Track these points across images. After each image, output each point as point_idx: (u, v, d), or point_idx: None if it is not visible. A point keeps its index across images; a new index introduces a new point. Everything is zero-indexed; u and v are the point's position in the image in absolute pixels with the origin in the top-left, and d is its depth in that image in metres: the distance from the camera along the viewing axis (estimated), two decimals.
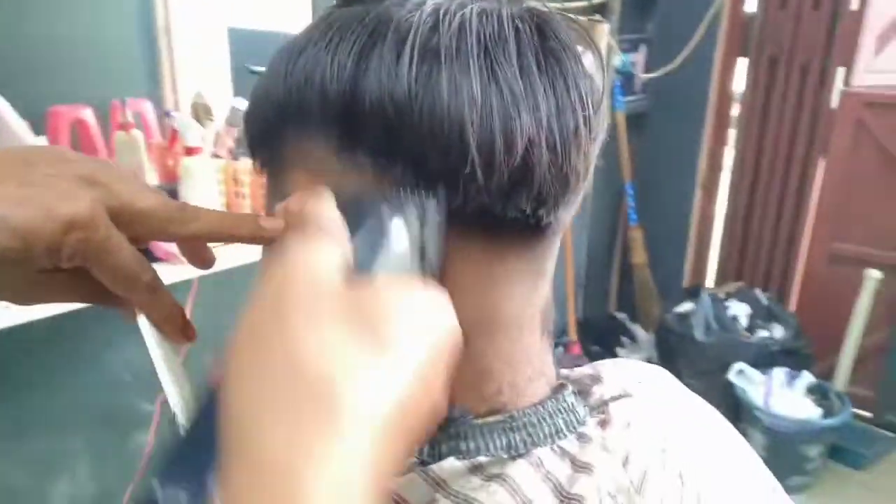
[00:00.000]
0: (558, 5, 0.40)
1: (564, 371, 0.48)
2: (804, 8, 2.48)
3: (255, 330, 0.29)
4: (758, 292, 2.62)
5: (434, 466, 0.39)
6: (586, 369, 0.50)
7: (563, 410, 0.43)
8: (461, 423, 0.40)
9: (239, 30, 1.85)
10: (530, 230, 0.39)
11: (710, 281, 2.96)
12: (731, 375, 2.35)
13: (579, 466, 0.41)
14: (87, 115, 1.59)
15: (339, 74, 0.36)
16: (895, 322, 2.46)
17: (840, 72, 2.47)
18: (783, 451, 2.22)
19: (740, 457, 0.50)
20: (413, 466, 0.40)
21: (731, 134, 2.82)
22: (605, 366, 0.50)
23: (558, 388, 0.45)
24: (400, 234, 0.35)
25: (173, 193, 1.55)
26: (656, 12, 2.79)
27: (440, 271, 0.38)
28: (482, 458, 0.40)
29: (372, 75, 0.35)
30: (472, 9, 0.37)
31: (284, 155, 0.40)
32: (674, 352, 2.52)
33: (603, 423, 0.44)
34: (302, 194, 0.35)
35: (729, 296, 2.62)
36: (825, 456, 2.33)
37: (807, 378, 2.35)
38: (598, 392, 0.46)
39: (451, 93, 0.35)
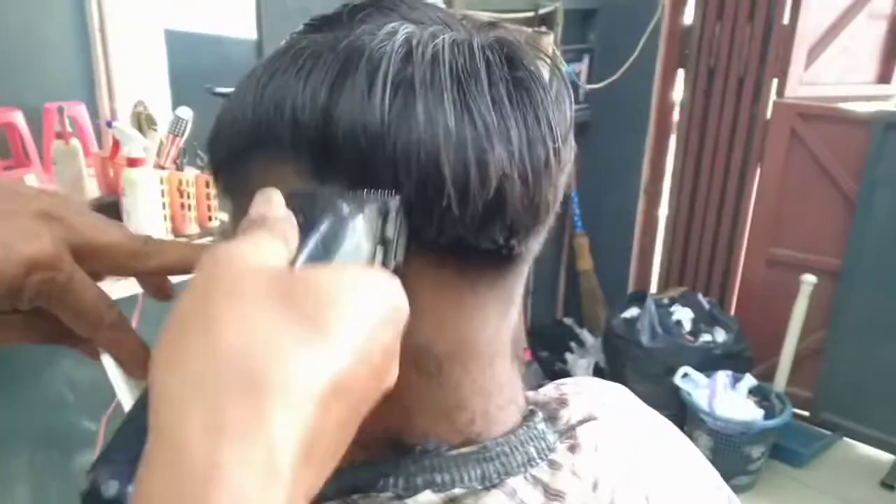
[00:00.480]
0: (503, 16, 0.41)
1: (530, 394, 0.48)
2: (739, 21, 2.56)
3: (179, 316, 0.28)
4: (700, 297, 2.69)
5: (409, 501, 0.39)
6: (550, 391, 0.50)
7: (534, 438, 0.43)
8: (435, 454, 0.40)
9: (176, 32, 1.82)
10: (501, 260, 0.39)
11: (654, 286, 3.03)
12: (677, 379, 2.41)
13: (552, 495, 0.41)
14: (18, 118, 1.54)
15: (311, 103, 0.35)
16: (830, 325, 2.55)
17: (774, 83, 2.56)
18: (728, 452, 2.28)
19: (697, 470, 0.51)
20: (388, 501, 0.39)
21: (672, 142, 2.89)
22: (567, 386, 0.51)
23: (528, 415, 0.45)
24: (358, 231, 0.35)
25: (116, 205, 1.51)
26: (598, 24, 2.84)
27: (413, 301, 0.37)
28: (457, 490, 0.39)
29: (345, 105, 0.35)
30: (443, 39, 0.36)
31: (251, 181, 0.39)
32: (621, 356, 2.57)
33: (572, 448, 0.44)
34: (255, 200, 0.34)
35: (673, 301, 2.68)
36: (767, 455, 2.40)
37: (749, 380, 2.42)
38: (566, 416, 0.46)
39: (425, 124, 0.35)
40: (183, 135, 1.60)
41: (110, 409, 1.61)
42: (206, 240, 1.60)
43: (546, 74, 0.39)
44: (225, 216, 1.73)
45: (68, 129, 1.54)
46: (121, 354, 0.40)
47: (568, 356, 2.92)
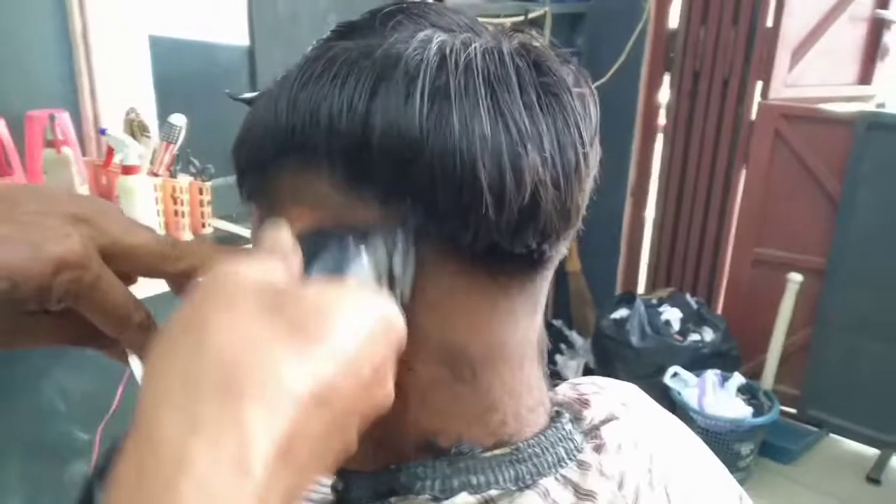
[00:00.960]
0: (493, 20, 0.41)
1: (550, 394, 0.49)
2: (723, 24, 2.60)
3: (174, 321, 0.30)
4: (688, 297, 2.71)
5: (446, 503, 0.40)
6: (568, 391, 0.51)
7: (562, 439, 0.44)
8: (470, 457, 0.41)
9: (163, 38, 1.80)
10: (532, 264, 0.40)
11: (641, 286, 3.05)
12: (667, 379, 2.43)
13: (583, 495, 0.42)
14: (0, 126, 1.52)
15: (348, 111, 0.36)
16: (815, 322, 2.59)
17: (758, 85, 2.59)
18: (718, 449, 2.29)
19: (710, 467, 0.52)
20: (426, 503, 0.40)
21: (659, 144, 2.92)
22: (584, 386, 0.52)
23: (555, 416, 0.45)
24: (363, 262, 0.35)
25: None
26: (586, 28, 2.87)
27: (447, 305, 0.38)
28: (493, 492, 0.40)
29: (383, 112, 0.36)
30: (475, 48, 0.37)
31: (281, 187, 0.40)
32: (611, 357, 2.59)
33: (598, 448, 0.45)
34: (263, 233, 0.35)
35: (661, 301, 2.71)
36: (756, 452, 2.43)
37: (737, 379, 2.45)
38: (589, 416, 0.47)
39: (462, 131, 0.35)
40: (176, 142, 1.60)
41: (105, 419, 1.60)
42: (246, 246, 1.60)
43: (570, 80, 0.39)
44: (219, 223, 1.73)
45: (61, 138, 1.54)
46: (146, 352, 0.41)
47: (558, 358, 2.94)
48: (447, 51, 0.37)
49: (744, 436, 2.34)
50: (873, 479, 2.47)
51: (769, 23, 2.53)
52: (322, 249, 0.35)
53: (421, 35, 0.38)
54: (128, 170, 1.44)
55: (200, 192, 1.64)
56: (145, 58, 1.80)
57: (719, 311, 2.80)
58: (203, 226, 1.66)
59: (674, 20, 2.73)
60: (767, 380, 2.56)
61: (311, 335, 0.29)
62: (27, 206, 0.37)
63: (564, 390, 0.51)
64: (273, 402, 0.27)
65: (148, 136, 1.58)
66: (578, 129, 0.38)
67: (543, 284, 0.43)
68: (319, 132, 0.37)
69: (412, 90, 0.36)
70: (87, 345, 0.43)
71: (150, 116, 1.72)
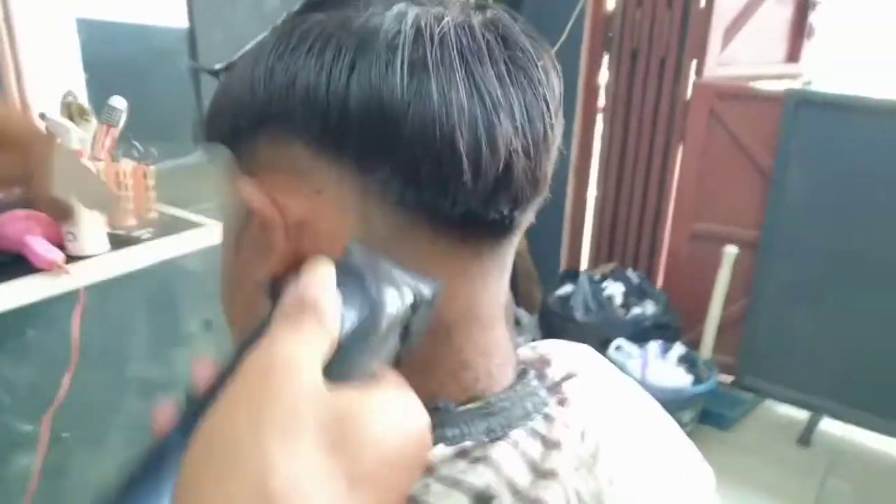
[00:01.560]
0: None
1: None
2: (658, 5, 2.66)
3: (225, 430, 0.28)
4: (629, 272, 2.79)
5: None
6: (528, 352, 0.53)
7: (529, 394, 0.46)
8: (444, 411, 0.43)
9: (94, 21, 1.75)
10: (503, 230, 0.42)
11: (584, 263, 3.12)
12: (611, 351, 2.50)
13: (550, 444, 0.44)
14: None
15: (327, 81, 0.37)
16: (751, 293, 2.70)
17: (693, 64, 2.67)
18: None
19: (662, 419, 0.56)
20: None
21: (599, 124, 2.98)
22: (542, 347, 0.54)
23: (522, 374, 0.48)
24: (390, 310, 0.35)
25: None
26: (526, 8, 2.89)
27: (426, 272, 0.39)
28: (467, 443, 0.42)
29: (363, 83, 0.37)
30: (448, 21, 0.38)
31: (257, 157, 0.41)
32: (557, 332, 2.65)
33: (561, 402, 0.47)
34: (308, 275, 0.34)
35: (604, 277, 2.78)
36: (696, 420, 2.53)
37: (678, 349, 2.54)
38: (550, 374, 0.50)
39: (440, 101, 0.37)
40: (118, 125, 1.56)
41: (50, 411, 1.57)
42: (144, 232, 1.57)
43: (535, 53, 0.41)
44: (165, 207, 1.70)
45: None
46: None
47: None
48: (422, 24, 0.38)
49: (684, 404, 2.43)
50: (804, 441, 2.60)
51: (702, 3, 2.60)
52: (356, 300, 0.34)
53: (395, 9, 0.39)
54: None
55: (145, 177, 1.61)
56: (74, 41, 1.75)
57: (660, 285, 2.89)
58: (149, 210, 1.63)
59: (611, 2, 2.79)
60: (706, 349, 2.66)
61: (366, 478, 0.30)
62: None
63: (525, 352, 0.54)
64: None
65: (88, 120, 1.54)
66: (545, 100, 0.40)
67: (511, 250, 0.45)
68: (297, 102, 0.38)
69: (391, 61, 0.37)
70: None
71: (82, 101, 1.68)
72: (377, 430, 0.31)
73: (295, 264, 0.38)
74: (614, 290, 2.70)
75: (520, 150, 0.39)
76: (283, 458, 0.27)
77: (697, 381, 2.49)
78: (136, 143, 1.61)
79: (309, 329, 0.32)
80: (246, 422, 0.28)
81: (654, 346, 2.51)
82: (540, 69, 0.40)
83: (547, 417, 0.46)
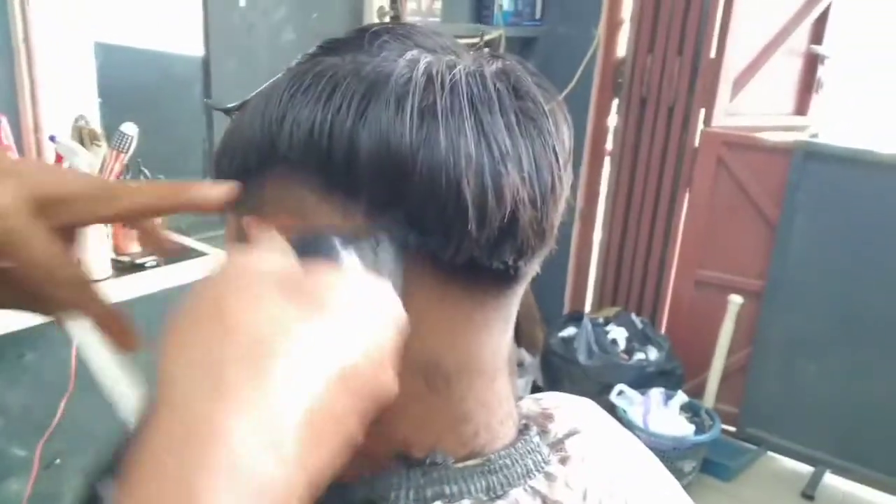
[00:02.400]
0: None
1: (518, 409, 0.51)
2: (669, 53, 2.69)
3: (189, 306, 0.30)
4: (633, 316, 2.77)
5: None
6: (531, 405, 0.52)
7: (530, 451, 0.45)
8: (443, 467, 0.42)
9: (112, 46, 1.78)
10: (507, 280, 0.42)
11: (588, 306, 3.11)
12: (613, 396, 2.47)
13: None
14: None
15: (335, 126, 0.37)
16: (754, 343, 2.67)
17: (701, 113, 2.69)
18: None
19: (664, 481, 0.54)
20: None
21: (607, 168, 2.99)
22: (545, 401, 0.53)
23: (523, 429, 0.47)
24: (353, 262, 0.36)
25: None
26: (537, 52, 2.93)
27: (424, 318, 0.39)
28: (465, 502, 0.41)
29: (372, 128, 0.37)
30: (460, 70, 0.38)
31: (264, 198, 0.40)
32: (559, 375, 2.62)
33: (563, 461, 0.46)
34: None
35: (608, 320, 2.76)
36: (698, 469, 2.49)
37: (681, 397, 2.51)
38: (553, 430, 0.49)
39: (448, 149, 0.36)
40: (127, 151, 1.57)
41: (45, 436, 1.55)
42: (149, 259, 1.56)
43: (546, 105, 0.41)
44: (173, 235, 1.70)
45: (7, 143, 1.50)
46: (88, 314, 0.40)
47: None
48: (433, 71, 0.38)
49: (686, 453, 2.39)
50: (808, 495, 2.55)
51: (712, 54, 2.63)
52: (311, 251, 0.35)
53: (408, 55, 0.39)
54: None
55: None
56: (90, 65, 1.77)
57: (663, 331, 2.86)
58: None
59: (622, 48, 2.82)
60: (709, 398, 2.63)
61: (332, 314, 0.30)
62: None
63: (528, 405, 0.53)
64: (303, 377, 0.28)
65: (98, 145, 1.55)
66: (555, 151, 0.40)
67: (515, 300, 0.44)
68: (305, 145, 0.38)
69: (402, 108, 0.37)
70: (26, 307, 0.42)
71: (94, 125, 1.69)
72: (343, 287, 0.32)
73: None
74: (618, 334, 2.68)
75: (526, 200, 0.38)
76: (242, 302, 0.29)
77: (700, 430, 2.46)
78: (145, 170, 1.62)
79: (259, 247, 0.34)
80: (207, 295, 0.31)
81: (656, 393, 2.49)
82: (550, 120, 0.40)
83: (549, 476, 0.45)
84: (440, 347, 0.41)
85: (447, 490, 0.41)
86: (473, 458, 0.43)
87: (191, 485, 0.25)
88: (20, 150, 1.66)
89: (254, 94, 0.42)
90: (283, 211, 0.40)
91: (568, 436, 0.49)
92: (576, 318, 2.78)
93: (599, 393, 2.48)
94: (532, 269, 0.43)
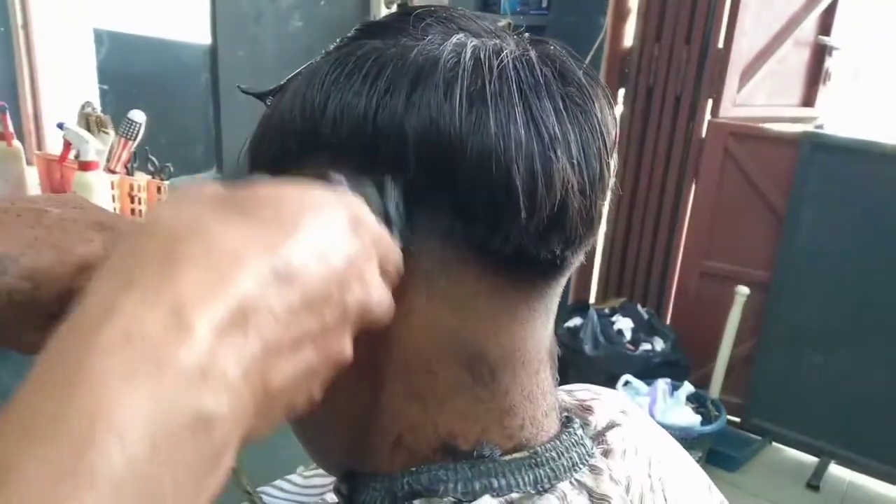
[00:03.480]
0: None
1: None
2: (677, 43, 2.67)
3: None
4: (639, 307, 2.77)
5: None
6: (567, 398, 0.51)
7: (575, 444, 0.45)
8: (490, 460, 0.41)
9: (119, 34, 1.76)
10: (552, 270, 0.41)
11: (593, 297, 3.10)
12: (619, 387, 2.47)
13: (597, 499, 0.43)
14: None
15: (385, 110, 0.36)
16: (760, 334, 2.67)
17: (709, 103, 2.67)
18: None
19: (695, 473, 0.55)
20: None
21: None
22: (581, 393, 0.53)
23: (566, 422, 0.46)
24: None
25: None
26: None
27: (471, 308, 0.38)
28: (514, 495, 0.40)
29: (422, 114, 0.36)
30: (506, 54, 0.38)
31: None
32: (565, 365, 2.60)
33: (606, 453, 0.46)
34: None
35: (614, 311, 2.75)
36: (704, 460, 2.49)
37: (687, 388, 2.51)
38: (594, 422, 0.49)
39: (498, 134, 0.36)
40: (135, 139, 1.57)
41: None
42: None
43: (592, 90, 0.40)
44: None
45: (11, 131, 1.49)
46: None
47: None
48: (481, 56, 0.37)
49: (692, 443, 2.39)
50: (813, 485, 2.55)
51: (720, 44, 2.61)
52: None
53: (454, 39, 0.38)
54: (85, 165, 1.41)
55: (159, 191, 1.61)
56: (90, 52, 1.76)
57: (669, 322, 2.86)
58: None
59: (629, 38, 2.80)
60: (714, 389, 2.63)
61: (265, 218, 0.28)
62: (53, 213, 0.38)
63: (562, 396, 0.52)
64: (217, 265, 0.26)
65: (106, 132, 1.55)
66: (602, 138, 0.39)
67: (559, 290, 0.44)
68: (351, 130, 0.37)
69: (451, 92, 0.36)
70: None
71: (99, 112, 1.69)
72: (281, 191, 0.31)
73: None
74: (623, 324, 2.67)
75: (576, 187, 0.38)
76: (168, 209, 0.28)
77: (705, 420, 2.46)
78: (153, 158, 1.61)
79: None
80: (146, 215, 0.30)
81: (662, 383, 2.48)
82: (597, 106, 0.39)
83: (594, 469, 0.44)
84: (485, 339, 0.40)
85: (495, 483, 0.40)
86: (519, 451, 0.42)
87: (80, 362, 0.23)
88: (20, 136, 1.66)
89: (289, 77, 0.41)
90: None
91: (608, 428, 0.48)
92: (581, 308, 2.77)
93: (605, 383, 2.44)
94: (577, 259, 0.42)
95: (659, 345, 2.63)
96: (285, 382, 0.27)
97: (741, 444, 2.67)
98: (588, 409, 0.50)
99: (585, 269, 3.10)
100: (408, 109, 0.36)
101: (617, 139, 0.42)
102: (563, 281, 0.43)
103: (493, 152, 0.36)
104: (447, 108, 0.36)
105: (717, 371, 2.63)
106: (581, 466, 0.44)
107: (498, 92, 0.36)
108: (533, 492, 0.41)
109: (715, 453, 2.54)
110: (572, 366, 2.58)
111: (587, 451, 0.45)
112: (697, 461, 2.41)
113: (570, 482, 0.43)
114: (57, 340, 0.25)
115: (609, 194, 0.41)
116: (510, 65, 0.37)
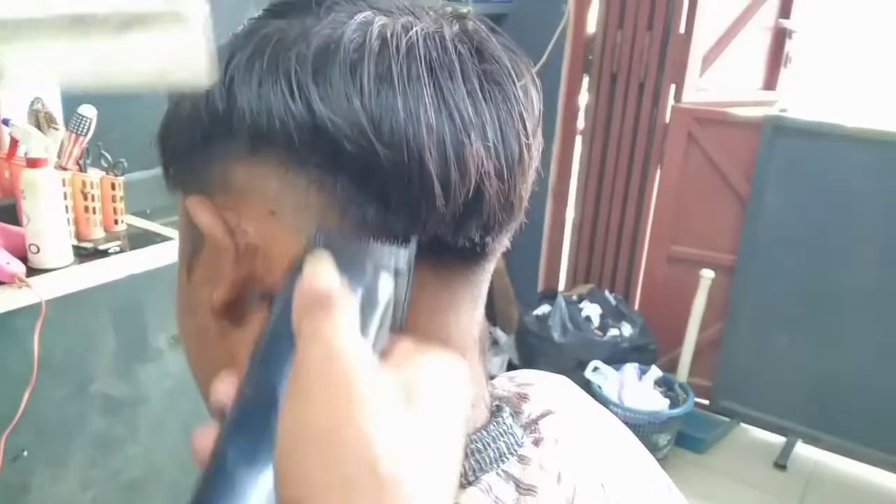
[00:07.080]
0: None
1: (491, 390, 0.49)
2: (639, 29, 2.68)
3: (321, 423, 0.29)
4: (607, 293, 2.78)
5: None
6: (506, 384, 0.50)
7: (503, 434, 0.43)
8: None
9: None
10: (474, 256, 0.39)
11: (562, 284, 3.11)
12: (588, 373, 2.48)
13: (524, 489, 0.41)
14: None
15: (285, 96, 0.34)
16: (727, 317, 2.70)
17: (672, 89, 2.68)
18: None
19: (639, 458, 0.53)
20: None
21: (578, 145, 2.98)
22: (520, 379, 0.52)
23: (496, 411, 0.45)
24: (386, 289, 0.34)
25: (13, 209, 1.42)
26: (506, 30, 2.89)
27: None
28: None
29: (323, 98, 0.34)
30: (416, 31, 0.36)
31: (210, 176, 0.38)
32: (534, 352, 2.63)
33: (536, 442, 0.44)
34: (311, 271, 0.32)
35: (581, 298, 2.76)
36: (672, 443, 2.51)
37: (654, 372, 2.53)
38: (527, 410, 0.47)
39: (407, 120, 0.34)
40: (86, 134, 1.52)
41: (9, 428, 1.51)
42: (112, 245, 1.52)
43: (512, 68, 0.38)
44: (133, 219, 1.66)
45: None
46: None
47: None
48: (388, 34, 0.35)
49: (661, 427, 2.42)
50: (780, 465, 2.59)
51: (682, 29, 2.62)
52: (349, 277, 0.33)
53: (360, 17, 0.36)
54: (33, 163, 1.36)
55: (113, 188, 1.57)
56: None
57: (636, 307, 2.88)
58: (116, 222, 1.59)
59: (592, 24, 2.80)
60: (682, 373, 2.65)
61: (433, 416, 0.31)
62: None
63: (503, 384, 0.51)
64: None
65: (56, 128, 1.50)
66: (522, 118, 0.37)
67: (484, 277, 0.42)
68: (252, 117, 0.35)
69: (355, 75, 0.34)
70: None
71: (55, 108, 1.64)
72: (431, 373, 0.33)
73: (248, 291, 0.37)
74: (591, 311, 2.69)
75: (492, 172, 0.36)
76: (385, 432, 0.28)
77: (674, 404, 2.48)
78: (106, 153, 1.57)
79: (337, 315, 0.31)
80: (336, 411, 0.28)
81: (630, 368, 2.50)
82: (517, 85, 0.37)
83: (522, 459, 0.43)
84: (407, 325, 0.39)
85: None
86: None
87: None
88: None
89: None
90: (229, 190, 0.37)
91: (542, 416, 0.47)
92: (550, 296, 2.78)
93: (574, 370, 2.49)
94: (500, 244, 0.41)
95: (627, 330, 2.65)
96: None
97: (709, 426, 2.70)
98: (523, 397, 0.48)
99: (554, 257, 3.11)
100: (308, 96, 0.34)
101: (540, 118, 0.40)
102: (488, 267, 0.42)
103: (404, 139, 0.34)
104: (353, 91, 0.34)
105: (684, 355, 2.65)
106: (509, 457, 0.43)
107: (406, 73, 0.34)
108: None
109: (684, 436, 2.57)
110: (541, 353, 2.59)
111: (516, 441, 0.44)
112: (666, 444, 2.42)
113: (497, 473, 0.42)
114: None
115: (533, 175, 0.40)
116: (420, 42, 0.35)
